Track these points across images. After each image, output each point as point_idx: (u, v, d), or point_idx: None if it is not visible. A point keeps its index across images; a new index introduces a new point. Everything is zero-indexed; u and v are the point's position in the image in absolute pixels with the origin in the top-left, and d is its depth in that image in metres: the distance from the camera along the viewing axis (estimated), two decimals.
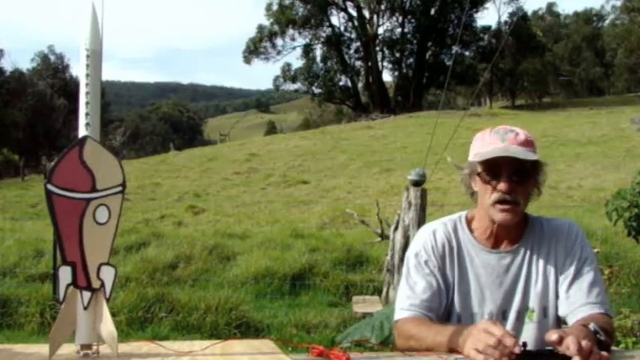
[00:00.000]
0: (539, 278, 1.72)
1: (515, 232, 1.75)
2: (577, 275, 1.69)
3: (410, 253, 1.80)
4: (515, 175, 1.65)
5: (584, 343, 1.33)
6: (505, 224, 1.69)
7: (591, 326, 1.49)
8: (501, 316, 1.71)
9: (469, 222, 1.80)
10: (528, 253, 1.74)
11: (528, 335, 1.68)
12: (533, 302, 1.72)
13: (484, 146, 1.68)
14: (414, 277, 1.74)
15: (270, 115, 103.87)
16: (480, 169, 1.69)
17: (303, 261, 7.68)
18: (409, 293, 1.73)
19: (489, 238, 1.75)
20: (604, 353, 1.38)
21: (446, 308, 1.75)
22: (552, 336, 1.35)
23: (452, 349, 1.48)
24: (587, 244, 1.75)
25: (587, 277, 1.69)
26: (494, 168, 1.66)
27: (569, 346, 1.32)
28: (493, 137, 1.68)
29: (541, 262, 1.73)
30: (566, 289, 1.69)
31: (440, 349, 1.52)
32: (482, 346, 1.33)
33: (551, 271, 1.72)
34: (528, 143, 1.66)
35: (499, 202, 1.66)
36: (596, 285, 1.69)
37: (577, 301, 1.66)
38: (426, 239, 1.78)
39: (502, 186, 1.65)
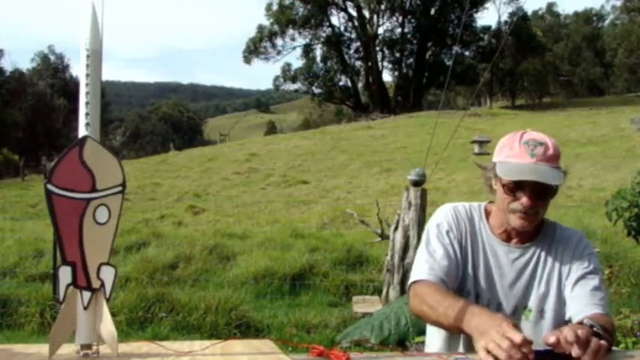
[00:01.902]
0: (543, 280, 1.76)
1: (528, 232, 1.78)
2: (582, 280, 1.72)
3: (431, 225, 1.84)
4: (539, 193, 1.68)
5: (580, 332, 1.36)
6: (522, 230, 1.74)
7: (586, 321, 1.51)
8: (495, 307, 1.74)
9: (487, 213, 1.84)
10: (537, 254, 1.78)
11: (526, 334, 1.70)
12: (532, 303, 1.75)
13: (512, 156, 1.70)
14: (434, 245, 1.78)
15: (270, 115, 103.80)
16: (505, 180, 1.71)
17: (303, 261, 7.68)
18: (428, 258, 1.76)
19: (502, 233, 1.80)
20: (602, 342, 1.38)
21: (459, 282, 1.78)
22: (550, 338, 1.36)
23: (458, 326, 1.52)
24: (595, 257, 1.79)
25: (592, 282, 1.72)
26: (519, 183, 1.69)
27: (567, 336, 1.34)
28: (522, 149, 1.69)
29: (548, 266, 1.77)
30: (570, 291, 1.72)
31: (448, 321, 1.56)
32: (492, 346, 1.34)
33: (555, 275, 1.76)
34: (556, 158, 1.69)
35: (523, 211, 1.70)
36: (600, 290, 1.72)
37: (580, 303, 1.69)
38: (448, 213, 1.83)
39: (525, 201, 1.69)
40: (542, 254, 1.77)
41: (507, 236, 1.79)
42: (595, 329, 1.47)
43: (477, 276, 1.78)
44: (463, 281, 1.78)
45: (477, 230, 1.81)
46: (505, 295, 1.76)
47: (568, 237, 1.80)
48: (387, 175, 18.80)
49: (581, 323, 1.52)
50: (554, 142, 1.73)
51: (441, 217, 1.83)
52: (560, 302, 1.75)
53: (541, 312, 1.75)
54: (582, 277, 1.72)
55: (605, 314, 1.66)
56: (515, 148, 1.71)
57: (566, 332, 1.35)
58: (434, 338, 1.83)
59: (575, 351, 1.34)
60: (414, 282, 1.74)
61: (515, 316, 1.73)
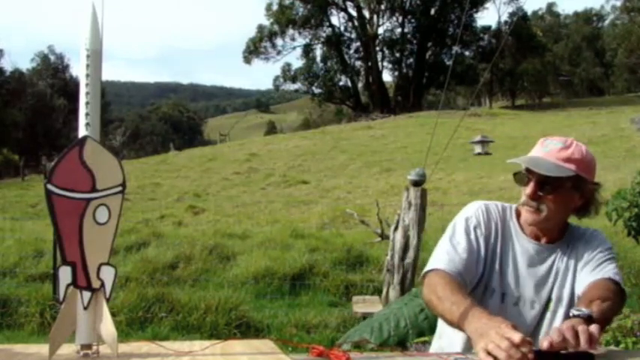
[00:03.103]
0: (560, 272, 1.80)
1: (555, 233, 1.83)
2: (592, 260, 1.77)
3: (459, 218, 1.85)
4: (543, 185, 1.72)
5: (565, 327, 1.38)
6: (529, 224, 1.79)
7: (572, 312, 1.53)
8: (529, 305, 1.78)
9: (517, 213, 1.87)
10: (561, 253, 1.82)
11: (546, 324, 1.78)
12: (554, 294, 1.80)
13: (532, 152, 1.78)
14: (459, 238, 1.79)
15: (270, 115, 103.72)
16: (522, 170, 1.78)
17: (303, 261, 7.67)
18: (450, 249, 1.77)
19: (531, 233, 1.83)
20: (592, 328, 1.39)
21: (482, 281, 1.79)
22: (543, 344, 1.38)
23: (459, 325, 1.53)
24: (605, 242, 1.83)
25: (599, 256, 1.77)
26: (528, 173, 1.75)
27: (553, 337, 1.36)
28: (543, 145, 1.77)
29: (565, 260, 1.81)
30: (581, 270, 1.77)
31: (452, 317, 1.57)
32: (491, 347, 1.35)
33: (571, 267, 1.80)
34: (570, 160, 1.72)
35: (526, 203, 1.76)
36: (607, 261, 1.76)
37: (587, 276, 1.73)
38: (478, 209, 1.85)
39: (527, 190, 1.75)
40: (566, 253, 1.82)
41: (536, 236, 1.83)
42: (581, 315, 1.48)
43: (505, 275, 1.80)
44: (488, 280, 1.80)
45: (508, 229, 1.84)
46: (536, 291, 1.79)
47: (583, 233, 1.85)
48: (387, 175, 18.80)
49: (570, 317, 1.53)
50: (582, 148, 1.75)
51: (471, 212, 1.85)
52: (575, 289, 1.79)
53: (559, 300, 1.79)
54: (592, 258, 1.77)
55: (607, 278, 1.69)
56: (538, 146, 1.79)
57: (552, 333, 1.38)
58: (455, 337, 1.82)
59: (570, 347, 1.35)
60: (430, 270, 1.75)
61: (544, 311, 1.78)
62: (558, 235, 1.83)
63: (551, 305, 1.79)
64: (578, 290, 1.73)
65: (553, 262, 1.81)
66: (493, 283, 1.79)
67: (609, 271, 1.72)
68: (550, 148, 1.73)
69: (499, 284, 1.79)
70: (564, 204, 1.77)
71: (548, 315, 1.78)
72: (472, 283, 1.77)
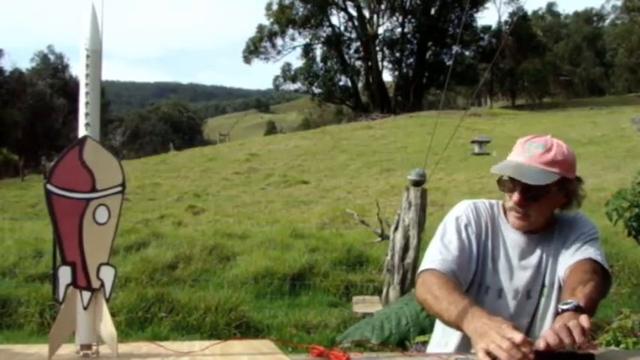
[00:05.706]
0: (551, 259, 1.81)
1: (542, 227, 1.83)
2: (575, 242, 1.77)
3: (449, 218, 1.86)
4: (529, 192, 1.72)
5: (557, 327, 1.37)
6: (517, 229, 1.80)
7: (560, 307, 1.53)
8: (526, 295, 1.79)
9: (504, 209, 1.87)
10: (549, 240, 1.83)
11: (542, 310, 1.79)
12: (547, 280, 1.80)
13: (514, 155, 1.77)
14: (450, 237, 1.80)
15: (270, 115, 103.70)
16: (504, 177, 1.77)
17: (303, 261, 7.67)
18: (442, 249, 1.77)
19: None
20: (581, 320, 1.39)
21: (476, 278, 1.80)
22: (540, 344, 1.37)
23: (458, 324, 1.52)
24: (587, 224, 1.83)
25: (582, 238, 1.77)
26: (512, 180, 1.74)
27: (548, 340, 1.36)
28: (524, 149, 1.75)
29: (555, 246, 1.82)
30: (564, 254, 1.77)
31: (449, 316, 1.57)
32: (492, 347, 1.35)
33: (560, 251, 1.80)
34: (553, 163, 1.71)
35: (513, 209, 1.77)
36: (588, 242, 1.76)
37: (568, 259, 1.73)
38: (467, 208, 1.86)
39: (514, 198, 1.75)
40: (554, 238, 1.82)
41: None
42: (570, 308, 1.48)
43: (499, 270, 1.80)
44: (482, 277, 1.80)
45: (497, 225, 1.84)
46: (532, 281, 1.79)
47: (567, 218, 1.85)
48: (387, 175, 18.81)
49: (558, 313, 1.53)
50: (563, 148, 1.74)
51: (461, 211, 1.85)
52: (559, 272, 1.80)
53: (552, 285, 1.79)
54: (574, 241, 1.78)
55: (586, 259, 1.69)
56: (518, 148, 1.77)
57: (547, 336, 1.37)
58: (451, 337, 1.83)
59: (567, 345, 1.35)
60: (424, 270, 1.75)
61: (539, 299, 1.78)
62: (545, 227, 1.84)
63: (545, 291, 1.79)
64: (561, 273, 1.74)
65: (543, 250, 1.81)
66: (487, 280, 1.80)
67: (590, 252, 1.72)
68: (532, 152, 1.72)
69: (493, 280, 1.80)
70: (550, 206, 1.78)
71: (543, 300, 1.79)
72: (466, 282, 1.77)
